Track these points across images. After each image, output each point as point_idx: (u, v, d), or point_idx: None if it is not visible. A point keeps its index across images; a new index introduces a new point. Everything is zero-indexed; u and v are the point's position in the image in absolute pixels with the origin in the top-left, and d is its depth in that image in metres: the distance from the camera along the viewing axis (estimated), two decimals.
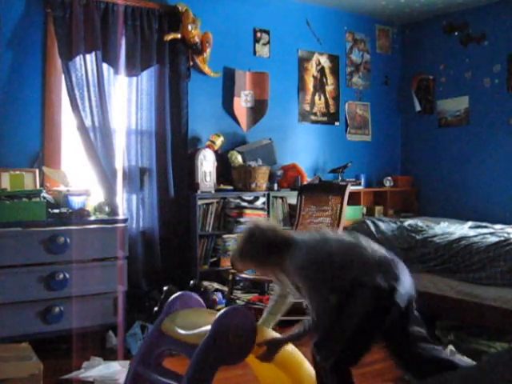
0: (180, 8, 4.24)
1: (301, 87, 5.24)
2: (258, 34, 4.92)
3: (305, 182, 4.72)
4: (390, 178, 5.62)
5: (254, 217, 4.29)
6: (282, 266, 2.27)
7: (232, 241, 4.28)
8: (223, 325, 2.06)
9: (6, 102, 3.77)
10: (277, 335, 2.30)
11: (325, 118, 5.41)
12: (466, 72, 5.37)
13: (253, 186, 4.46)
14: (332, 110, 5.45)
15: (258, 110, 4.87)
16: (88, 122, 3.87)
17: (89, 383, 2.95)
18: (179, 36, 4.27)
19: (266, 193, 4.56)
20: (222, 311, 2.12)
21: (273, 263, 2.28)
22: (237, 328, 2.08)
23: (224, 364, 2.10)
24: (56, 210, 3.49)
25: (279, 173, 4.78)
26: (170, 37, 4.23)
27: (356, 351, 2.22)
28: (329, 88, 5.43)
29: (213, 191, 4.38)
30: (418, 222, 4.41)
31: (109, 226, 3.55)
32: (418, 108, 5.77)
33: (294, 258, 2.21)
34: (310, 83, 5.30)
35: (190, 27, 4.28)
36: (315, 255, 2.21)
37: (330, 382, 2.18)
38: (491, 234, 3.88)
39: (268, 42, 4.98)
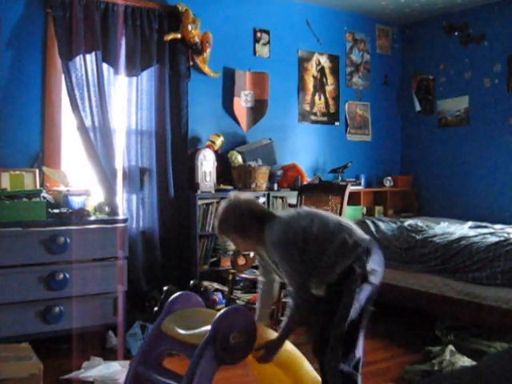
0: (180, 8, 4.24)
1: (301, 87, 5.24)
2: (258, 34, 4.92)
3: (305, 182, 4.72)
4: (389, 178, 5.63)
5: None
6: (261, 239, 2.29)
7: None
8: (223, 325, 2.06)
9: (6, 102, 3.77)
10: (276, 335, 2.30)
11: (325, 118, 5.41)
12: (466, 72, 5.37)
13: (253, 186, 4.46)
14: (332, 109, 5.45)
15: (258, 110, 4.88)
16: (88, 122, 3.88)
17: (89, 383, 2.95)
18: (179, 36, 4.27)
19: (266, 193, 4.56)
20: (221, 311, 2.12)
21: (254, 236, 2.30)
22: (237, 328, 2.08)
23: (224, 364, 2.10)
24: (56, 210, 3.48)
25: (279, 173, 4.78)
26: (170, 37, 4.23)
27: (355, 343, 2.24)
28: (329, 88, 5.43)
29: (213, 191, 4.38)
30: (418, 222, 4.41)
31: (109, 225, 3.55)
32: (417, 108, 5.77)
33: (271, 232, 2.24)
34: (310, 83, 5.30)
35: (190, 27, 4.28)
36: (291, 230, 2.23)
37: None
38: (491, 234, 3.88)
39: (268, 42, 4.98)
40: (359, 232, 2.33)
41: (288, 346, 2.33)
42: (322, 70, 5.38)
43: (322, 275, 2.26)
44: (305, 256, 2.21)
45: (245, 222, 2.27)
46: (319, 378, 2.35)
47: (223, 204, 2.35)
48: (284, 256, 2.20)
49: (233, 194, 2.40)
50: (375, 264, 2.25)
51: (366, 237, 2.32)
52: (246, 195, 2.41)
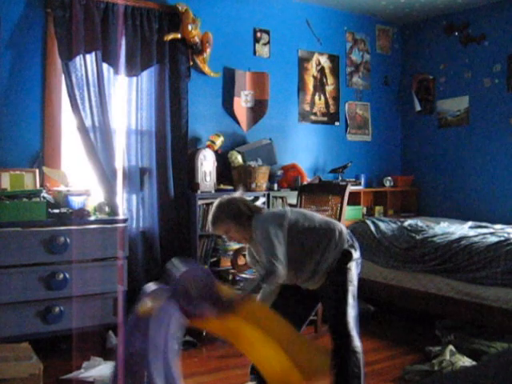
0: (180, 8, 4.24)
1: (301, 87, 5.24)
2: (258, 34, 4.92)
3: (305, 182, 4.72)
4: (389, 178, 5.62)
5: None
6: (251, 230, 2.52)
7: (232, 242, 4.27)
8: (183, 281, 2.10)
9: (6, 102, 3.77)
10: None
11: (325, 118, 5.41)
12: (466, 72, 5.37)
13: (253, 186, 4.46)
14: (332, 110, 5.45)
15: (258, 110, 4.88)
16: (88, 122, 3.88)
17: (89, 383, 2.95)
18: (179, 36, 4.27)
19: (266, 193, 4.56)
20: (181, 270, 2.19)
21: (247, 223, 2.53)
22: (196, 282, 2.12)
23: (192, 317, 2.12)
24: (56, 210, 3.48)
25: (279, 173, 4.78)
26: (170, 37, 4.23)
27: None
28: (329, 88, 5.43)
29: (213, 191, 4.38)
30: (418, 222, 4.41)
31: (109, 225, 3.55)
32: (418, 108, 5.77)
33: (259, 218, 2.52)
34: (310, 83, 5.30)
35: (190, 27, 4.28)
36: (278, 217, 2.51)
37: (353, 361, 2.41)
38: (491, 234, 3.89)
39: (268, 42, 4.98)
40: (339, 223, 2.66)
41: (275, 315, 2.34)
42: (321, 70, 5.38)
43: (311, 264, 2.49)
44: (291, 246, 2.44)
45: (238, 209, 2.53)
46: (304, 338, 2.50)
47: (216, 201, 2.60)
48: (268, 234, 2.40)
49: (224, 196, 2.65)
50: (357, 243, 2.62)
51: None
52: (235, 194, 2.69)
